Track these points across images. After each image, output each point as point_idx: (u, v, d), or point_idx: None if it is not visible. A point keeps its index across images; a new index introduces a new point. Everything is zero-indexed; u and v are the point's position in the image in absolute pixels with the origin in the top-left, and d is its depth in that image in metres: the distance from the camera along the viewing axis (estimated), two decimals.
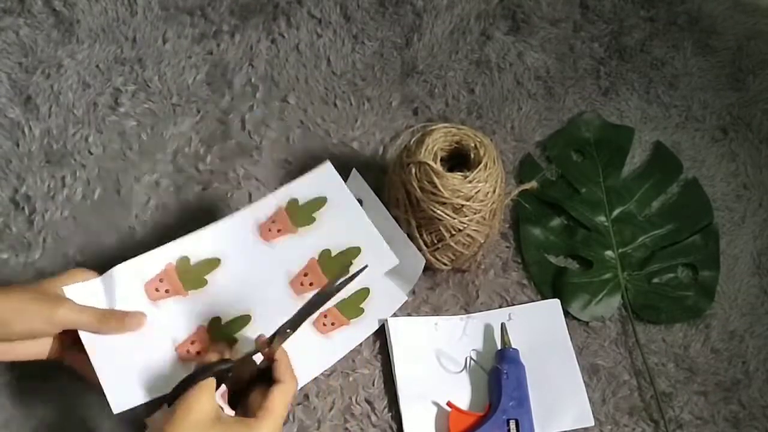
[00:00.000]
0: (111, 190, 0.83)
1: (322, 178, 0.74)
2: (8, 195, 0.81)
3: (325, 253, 0.73)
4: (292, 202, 0.74)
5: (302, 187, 0.74)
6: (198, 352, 0.69)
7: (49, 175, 0.82)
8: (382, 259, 0.73)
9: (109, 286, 0.67)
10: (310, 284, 0.72)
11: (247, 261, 0.72)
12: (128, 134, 0.86)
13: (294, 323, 0.62)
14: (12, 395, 0.71)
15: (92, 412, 0.71)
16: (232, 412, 0.60)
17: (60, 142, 0.84)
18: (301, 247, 0.73)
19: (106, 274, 0.67)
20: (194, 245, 0.71)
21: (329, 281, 0.63)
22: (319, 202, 0.74)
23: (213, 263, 0.71)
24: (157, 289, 0.69)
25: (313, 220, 0.74)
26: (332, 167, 0.75)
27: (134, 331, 0.66)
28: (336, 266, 0.72)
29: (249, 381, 0.64)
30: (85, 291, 0.66)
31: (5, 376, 0.71)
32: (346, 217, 0.74)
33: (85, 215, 0.81)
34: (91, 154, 0.84)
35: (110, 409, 0.63)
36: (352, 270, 0.65)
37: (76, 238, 0.79)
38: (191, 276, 0.71)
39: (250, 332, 0.70)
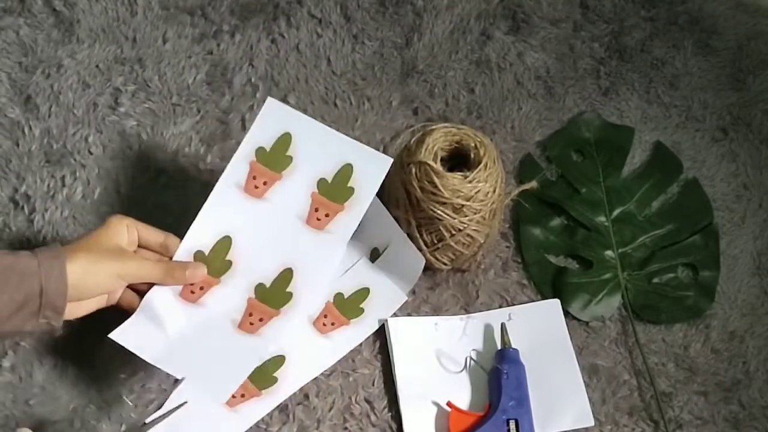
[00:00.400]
0: (111, 190, 0.83)
1: (274, 116, 0.74)
2: (8, 194, 0.81)
3: (323, 182, 0.73)
4: (260, 151, 0.73)
5: (260, 134, 0.73)
6: (261, 319, 0.71)
7: (48, 174, 0.82)
8: (377, 164, 0.73)
9: (150, 313, 0.68)
10: (326, 215, 0.73)
11: (253, 224, 0.72)
12: (128, 134, 0.86)
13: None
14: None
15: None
16: None
17: (60, 141, 0.84)
18: (296, 188, 0.73)
19: (142, 304, 0.69)
20: (198, 237, 0.71)
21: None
22: (285, 139, 0.73)
23: (225, 243, 0.72)
24: (192, 291, 0.71)
25: (290, 159, 0.73)
26: (276, 101, 0.74)
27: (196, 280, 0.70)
28: (339, 190, 0.73)
29: None
30: (133, 331, 0.67)
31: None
32: (319, 141, 0.74)
33: (85, 215, 0.81)
34: (91, 153, 0.84)
35: None
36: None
37: (75, 238, 0.79)
38: (215, 264, 0.71)
39: (299, 284, 0.72)
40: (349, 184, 0.73)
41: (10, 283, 0.59)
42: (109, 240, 0.66)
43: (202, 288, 0.71)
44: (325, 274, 0.73)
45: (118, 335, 0.66)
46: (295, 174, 0.73)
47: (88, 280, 0.63)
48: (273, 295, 0.72)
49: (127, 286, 0.69)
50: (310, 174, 0.73)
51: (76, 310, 0.65)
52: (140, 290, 0.70)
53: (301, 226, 0.73)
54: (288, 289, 0.72)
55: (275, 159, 0.73)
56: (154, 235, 0.71)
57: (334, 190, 0.73)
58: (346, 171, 0.73)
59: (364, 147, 0.74)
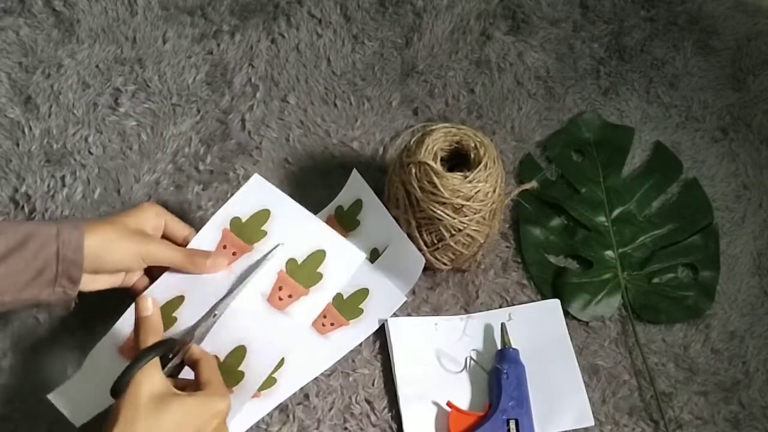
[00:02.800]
0: (111, 190, 0.83)
1: (257, 192, 0.75)
2: (8, 194, 0.81)
3: (292, 262, 0.74)
4: (235, 221, 0.74)
5: (239, 205, 0.75)
6: (290, 295, 0.72)
7: (48, 174, 0.82)
8: (350, 256, 0.74)
9: (92, 373, 0.69)
10: (289, 296, 0.72)
11: (207, 290, 0.72)
12: (128, 134, 0.86)
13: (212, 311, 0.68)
14: None
15: None
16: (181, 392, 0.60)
17: (60, 141, 0.84)
18: (265, 263, 0.73)
19: (85, 364, 0.70)
20: (158, 290, 0.71)
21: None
22: (263, 214, 0.75)
23: (177, 301, 0.71)
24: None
25: (264, 233, 0.74)
26: (261, 179, 0.75)
27: (216, 272, 0.71)
28: (307, 274, 0.73)
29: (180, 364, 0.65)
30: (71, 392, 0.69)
31: None
32: (297, 223, 0.74)
33: (85, 215, 0.81)
34: (91, 153, 0.84)
35: None
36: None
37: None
38: (164, 313, 0.70)
39: (252, 362, 0.70)
40: (318, 270, 0.74)
41: (28, 249, 0.60)
42: (134, 221, 0.68)
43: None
44: (276, 357, 0.71)
45: (54, 396, 0.67)
46: (266, 249, 0.73)
47: (106, 255, 0.64)
48: (225, 374, 0.69)
49: (145, 273, 0.70)
50: (281, 252, 0.73)
51: (91, 283, 0.66)
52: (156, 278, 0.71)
53: (261, 302, 0.72)
54: (240, 368, 0.69)
55: (249, 231, 0.74)
56: (179, 228, 0.72)
57: (303, 272, 0.73)
58: (318, 256, 0.74)
59: (340, 238, 0.75)
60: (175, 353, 0.64)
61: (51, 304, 0.65)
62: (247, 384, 0.70)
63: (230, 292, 0.70)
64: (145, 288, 0.71)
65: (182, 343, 0.65)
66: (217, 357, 0.71)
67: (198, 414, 0.57)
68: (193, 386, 0.61)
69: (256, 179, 0.75)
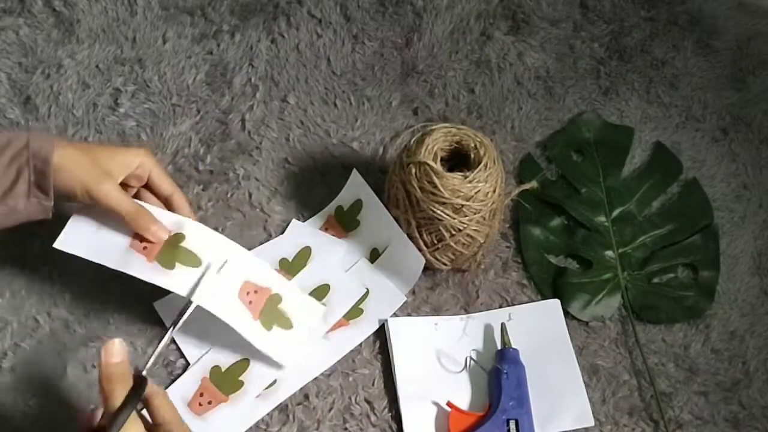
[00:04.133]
0: None
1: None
2: None
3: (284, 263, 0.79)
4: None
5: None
6: (209, 402, 0.72)
7: None
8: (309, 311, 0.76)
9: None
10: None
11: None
12: (128, 134, 0.86)
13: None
14: None
15: None
16: None
17: None
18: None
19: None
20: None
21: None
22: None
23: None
24: None
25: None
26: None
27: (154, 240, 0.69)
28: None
29: None
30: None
31: None
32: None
33: None
34: None
35: None
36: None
37: None
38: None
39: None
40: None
41: (4, 157, 0.63)
42: (108, 158, 0.67)
43: None
44: (275, 374, 0.74)
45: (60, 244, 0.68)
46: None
47: (62, 172, 0.64)
48: (225, 381, 0.73)
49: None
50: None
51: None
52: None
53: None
54: (240, 378, 0.73)
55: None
56: (165, 184, 0.71)
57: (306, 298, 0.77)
58: (323, 289, 0.79)
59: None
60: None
61: (30, 215, 0.65)
62: (244, 393, 0.72)
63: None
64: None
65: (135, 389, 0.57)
66: (218, 366, 0.72)
67: None
68: (152, 426, 0.57)
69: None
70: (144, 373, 0.57)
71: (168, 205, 0.72)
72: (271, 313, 0.73)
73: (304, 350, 0.74)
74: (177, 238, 0.69)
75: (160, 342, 0.67)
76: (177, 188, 0.73)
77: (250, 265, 0.73)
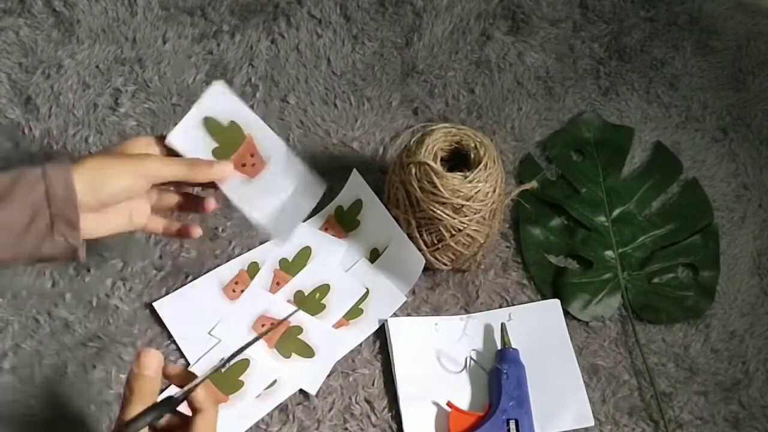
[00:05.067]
0: None
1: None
2: None
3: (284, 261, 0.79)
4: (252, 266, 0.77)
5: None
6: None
7: None
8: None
9: None
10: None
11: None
12: (128, 134, 0.86)
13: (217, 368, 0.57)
14: None
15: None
16: None
17: (60, 142, 0.84)
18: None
19: None
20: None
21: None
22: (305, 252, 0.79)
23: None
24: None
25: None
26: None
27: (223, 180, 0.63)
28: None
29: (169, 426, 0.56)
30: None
31: None
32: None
33: None
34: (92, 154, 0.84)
35: None
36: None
37: None
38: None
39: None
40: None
41: (16, 194, 0.54)
42: (125, 148, 0.61)
43: None
44: (274, 375, 0.74)
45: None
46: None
47: (103, 182, 0.56)
48: (225, 382, 0.73)
49: (154, 213, 0.64)
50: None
51: (96, 226, 0.58)
52: (167, 212, 0.66)
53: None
54: (240, 378, 0.73)
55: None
56: (176, 162, 0.63)
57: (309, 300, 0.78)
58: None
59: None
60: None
61: (58, 258, 0.57)
62: (244, 393, 0.72)
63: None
64: (160, 227, 0.65)
65: (183, 385, 0.54)
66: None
67: None
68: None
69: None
70: (196, 392, 0.53)
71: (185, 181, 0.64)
72: (290, 342, 0.75)
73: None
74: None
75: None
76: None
77: (267, 299, 0.76)
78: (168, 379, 0.55)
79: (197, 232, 0.66)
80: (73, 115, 0.86)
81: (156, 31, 0.92)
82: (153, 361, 0.52)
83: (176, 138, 0.62)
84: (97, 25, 0.92)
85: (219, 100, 0.65)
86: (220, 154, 0.64)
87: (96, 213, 0.57)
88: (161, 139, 0.63)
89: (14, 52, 0.89)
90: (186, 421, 0.54)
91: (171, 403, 0.52)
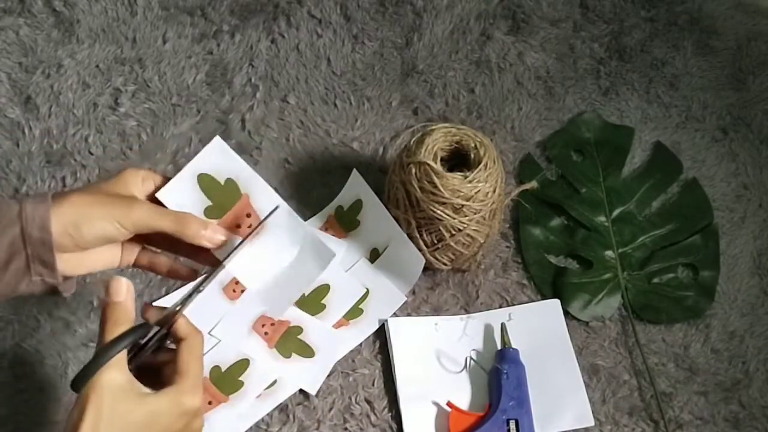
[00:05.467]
0: None
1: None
2: (8, 195, 0.81)
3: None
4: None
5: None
6: (209, 402, 0.72)
7: (49, 175, 0.82)
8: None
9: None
10: None
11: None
12: (128, 134, 0.86)
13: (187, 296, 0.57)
14: None
15: None
16: (147, 390, 0.52)
17: (60, 142, 0.84)
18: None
19: None
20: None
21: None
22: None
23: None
24: None
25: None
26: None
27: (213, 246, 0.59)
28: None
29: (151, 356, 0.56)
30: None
31: None
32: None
33: None
34: (92, 154, 0.84)
35: None
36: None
37: None
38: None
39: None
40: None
41: None
42: (115, 186, 0.56)
43: None
44: (274, 375, 0.74)
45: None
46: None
47: (83, 225, 0.53)
48: (225, 382, 0.73)
49: (144, 247, 0.60)
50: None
51: (78, 265, 0.56)
52: (156, 247, 0.61)
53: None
54: (240, 378, 0.73)
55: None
56: (165, 215, 0.58)
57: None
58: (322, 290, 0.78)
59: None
60: (152, 336, 0.55)
61: (37, 295, 0.56)
62: (244, 393, 0.72)
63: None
64: (153, 263, 0.61)
65: (165, 320, 0.55)
66: (219, 367, 0.73)
67: (165, 414, 0.51)
68: (171, 369, 0.53)
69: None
70: (178, 323, 0.54)
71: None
72: (290, 342, 0.75)
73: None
74: None
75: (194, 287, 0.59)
76: None
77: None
78: (148, 321, 0.55)
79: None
80: (73, 114, 0.86)
81: (156, 31, 0.92)
82: (122, 287, 0.52)
83: (167, 193, 0.58)
84: (97, 24, 0.92)
85: (217, 157, 0.60)
86: (212, 213, 0.59)
87: (78, 252, 0.55)
88: (161, 178, 0.59)
89: (14, 52, 0.89)
90: (173, 356, 0.54)
91: (147, 327, 0.52)
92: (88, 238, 0.54)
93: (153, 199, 0.58)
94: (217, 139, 0.60)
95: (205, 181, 0.59)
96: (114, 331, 0.51)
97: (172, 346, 0.55)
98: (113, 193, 0.56)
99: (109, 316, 0.51)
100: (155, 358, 0.55)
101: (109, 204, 0.54)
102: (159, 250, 0.61)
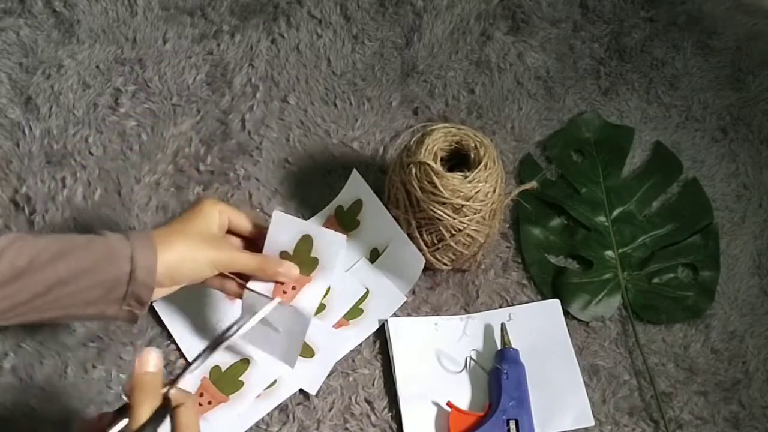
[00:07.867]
0: (111, 191, 0.83)
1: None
2: (8, 195, 0.81)
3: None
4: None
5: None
6: (209, 402, 0.72)
7: (49, 175, 0.82)
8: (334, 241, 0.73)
9: None
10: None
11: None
12: (128, 134, 0.86)
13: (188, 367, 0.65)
14: None
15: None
16: None
17: (60, 142, 0.84)
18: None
19: None
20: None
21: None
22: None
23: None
24: None
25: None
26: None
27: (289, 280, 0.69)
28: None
29: None
30: None
31: None
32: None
33: (86, 216, 0.81)
34: (92, 154, 0.84)
35: None
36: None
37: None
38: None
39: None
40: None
41: (101, 270, 0.57)
42: (204, 226, 0.64)
43: None
44: (276, 373, 0.74)
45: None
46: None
47: (183, 268, 0.61)
48: (226, 381, 0.73)
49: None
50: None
51: (160, 292, 0.63)
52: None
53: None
54: (241, 378, 0.73)
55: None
56: (243, 222, 0.69)
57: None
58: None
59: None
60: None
61: (116, 319, 0.62)
62: (244, 393, 0.72)
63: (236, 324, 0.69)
64: (223, 285, 0.69)
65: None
66: (218, 367, 0.73)
67: None
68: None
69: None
70: (171, 392, 0.55)
71: (251, 236, 0.70)
72: None
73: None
74: None
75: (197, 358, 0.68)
76: (253, 215, 0.71)
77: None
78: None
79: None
80: (73, 114, 0.86)
81: (156, 32, 0.92)
82: (154, 358, 0.54)
83: (277, 220, 0.68)
84: (97, 25, 0.92)
85: (332, 243, 0.69)
86: (284, 256, 0.69)
87: (166, 287, 0.62)
88: (234, 210, 0.68)
89: (15, 53, 0.89)
90: None
91: (169, 407, 0.54)
92: (185, 280, 0.63)
93: (230, 231, 0.68)
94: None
95: (303, 240, 0.69)
96: (147, 404, 0.52)
97: None
98: (205, 234, 0.64)
99: (144, 388, 0.53)
100: None
101: (205, 248, 0.63)
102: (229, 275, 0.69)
